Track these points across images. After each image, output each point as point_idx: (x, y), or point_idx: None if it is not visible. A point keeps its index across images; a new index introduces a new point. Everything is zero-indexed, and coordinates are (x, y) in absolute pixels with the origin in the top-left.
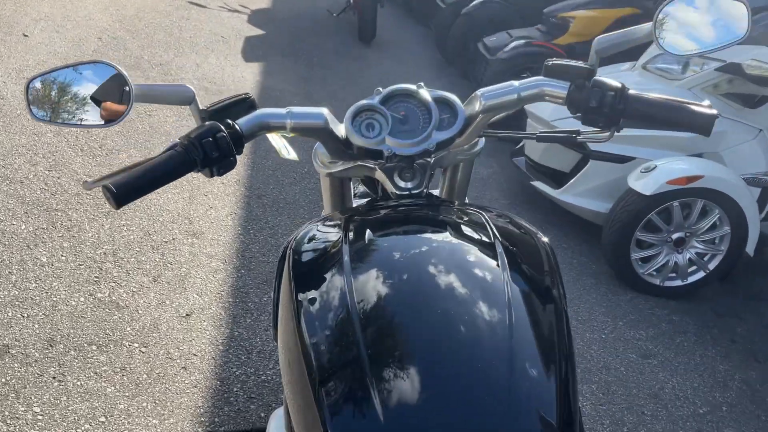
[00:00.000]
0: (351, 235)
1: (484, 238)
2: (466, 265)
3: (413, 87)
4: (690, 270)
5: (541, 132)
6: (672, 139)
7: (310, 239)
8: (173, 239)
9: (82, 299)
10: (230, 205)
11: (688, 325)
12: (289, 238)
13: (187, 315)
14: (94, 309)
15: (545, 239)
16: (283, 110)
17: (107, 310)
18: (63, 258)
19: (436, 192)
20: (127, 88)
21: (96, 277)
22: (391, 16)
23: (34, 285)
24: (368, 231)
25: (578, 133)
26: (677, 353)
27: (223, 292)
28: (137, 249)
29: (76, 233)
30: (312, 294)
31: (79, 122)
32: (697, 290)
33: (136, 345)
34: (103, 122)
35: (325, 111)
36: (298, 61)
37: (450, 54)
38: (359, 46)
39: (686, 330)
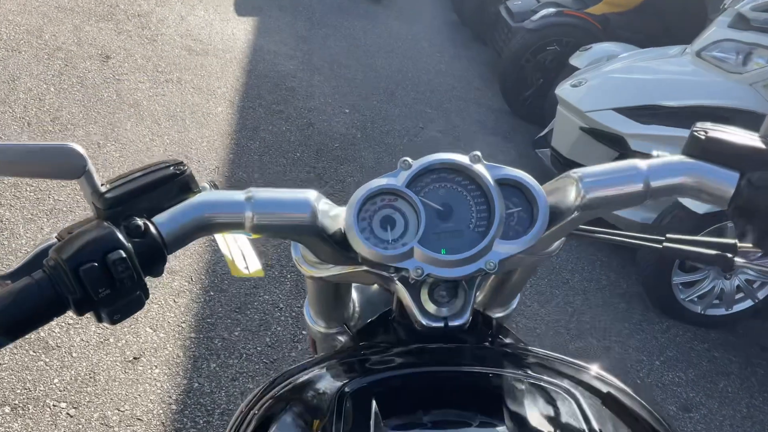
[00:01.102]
0: (348, 413)
1: None
2: None
3: (463, 160)
4: (736, 297)
5: (668, 240)
6: None
7: (277, 412)
8: None
9: None
10: None
11: (731, 363)
12: (244, 405)
13: (134, 358)
14: (15, 351)
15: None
16: (240, 195)
17: (32, 352)
18: None
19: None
20: None
21: None
22: None
23: None
24: (376, 409)
25: (734, 251)
26: (721, 403)
27: (184, 324)
28: None
29: (8, 238)
30: None
31: None
32: (741, 320)
33: (64, 405)
34: None
35: (311, 196)
36: (298, 17)
37: (467, 15)
38: (366, 1)
39: (729, 371)
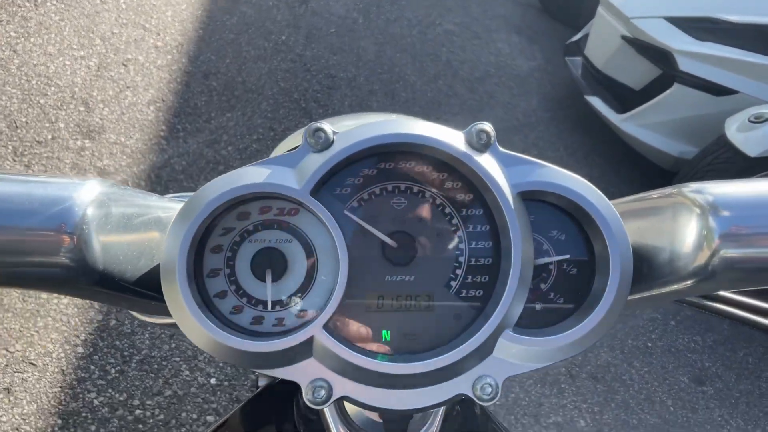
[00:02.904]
0: None
1: None
2: None
3: (451, 139)
4: None
5: None
6: None
7: None
8: (53, 137)
9: None
10: (158, 86)
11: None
12: None
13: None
14: None
15: None
16: None
17: None
18: None
19: None
20: None
21: None
22: None
23: None
24: None
25: None
26: (739, 376)
27: None
28: None
29: None
30: None
31: None
32: None
33: None
34: None
35: (86, 194)
36: None
37: None
38: None
39: (752, 337)
